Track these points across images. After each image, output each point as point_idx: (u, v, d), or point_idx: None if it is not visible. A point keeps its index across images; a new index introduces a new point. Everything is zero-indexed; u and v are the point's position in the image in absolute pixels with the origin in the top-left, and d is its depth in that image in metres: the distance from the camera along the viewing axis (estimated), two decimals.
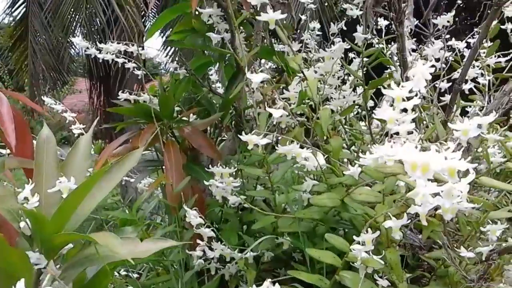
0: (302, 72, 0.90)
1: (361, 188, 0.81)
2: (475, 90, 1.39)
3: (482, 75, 1.35)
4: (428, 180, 0.51)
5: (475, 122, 0.60)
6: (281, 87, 1.05)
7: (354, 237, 0.72)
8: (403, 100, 0.60)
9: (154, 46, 1.53)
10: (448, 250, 0.75)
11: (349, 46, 1.07)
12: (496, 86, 1.41)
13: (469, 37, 1.44)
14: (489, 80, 1.35)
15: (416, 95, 0.60)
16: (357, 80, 1.31)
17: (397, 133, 0.70)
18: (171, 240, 0.73)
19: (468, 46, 1.40)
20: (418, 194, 0.51)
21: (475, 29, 1.46)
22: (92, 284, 0.82)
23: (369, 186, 0.85)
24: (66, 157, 0.81)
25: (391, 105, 0.69)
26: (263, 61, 1.58)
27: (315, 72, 0.99)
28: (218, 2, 1.11)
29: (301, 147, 0.85)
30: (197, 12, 1.21)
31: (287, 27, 1.34)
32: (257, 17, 0.88)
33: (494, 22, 1.44)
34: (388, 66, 1.30)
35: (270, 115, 0.90)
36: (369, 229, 0.70)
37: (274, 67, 1.74)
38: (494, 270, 0.89)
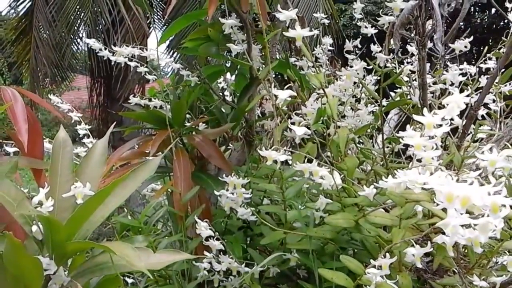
0: (323, 90, 0.90)
1: (377, 210, 0.80)
2: (485, 116, 1.39)
3: (493, 101, 1.35)
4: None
5: (505, 153, 0.60)
6: (297, 103, 1.05)
7: (371, 261, 0.71)
8: (434, 127, 0.59)
9: (157, 50, 1.53)
10: (463, 278, 0.74)
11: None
12: (507, 113, 1.41)
13: (481, 62, 1.44)
14: (500, 107, 1.35)
15: (447, 123, 0.59)
16: (370, 98, 1.32)
17: (419, 159, 0.70)
18: (185, 252, 0.72)
19: (479, 71, 1.41)
20: (449, 224, 0.50)
21: (488, 55, 1.47)
22: None
23: (384, 209, 0.84)
24: (80, 162, 0.80)
25: (415, 129, 0.68)
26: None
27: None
28: (237, 13, 1.10)
29: (310, 161, 0.84)
30: (212, 21, 1.21)
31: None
32: (284, 33, 0.87)
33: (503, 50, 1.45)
34: (399, 86, 1.30)
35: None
36: (387, 254, 0.69)
37: (273, 75, 1.74)
38: None
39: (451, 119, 0.59)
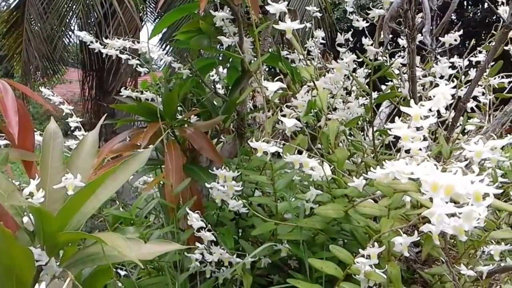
0: (313, 82, 0.90)
1: (366, 201, 0.81)
2: (475, 108, 1.40)
3: (483, 94, 1.37)
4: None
5: (490, 144, 0.61)
6: (288, 95, 1.05)
7: (360, 250, 0.72)
8: (421, 118, 0.60)
9: (149, 43, 1.53)
10: (451, 268, 0.76)
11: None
12: (496, 106, 1.43)
13: (472, 56, 1.46)
14: (489, 100, 1.36)
15: (433, 114, 0.60)
16: (361, 91, 1.33)
17: (407, 150, 0.71)
18: (175, 243, 0.72)
19: (470, 64, 1.42)
20: (434, 213, 0.51)
21: (478, 48, 1.48)
22: (90, 282, 0.81)
23: (373, 200, 0.85)
24: (71, 153, 0.80)
25: (404, 121, 0.69)
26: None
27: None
28: (229, 6, 1.10)
29: (300, 153, 0.85)
30: (203, 14, 1.21)
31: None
32: (274, 26, 0.88)
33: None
34: (390, 79, 1.31)
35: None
36: (375, 243, 0.70)
37: (266, 69, 1.74)
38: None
39: (438, 111, 0.59)
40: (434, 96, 0.58)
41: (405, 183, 0.59)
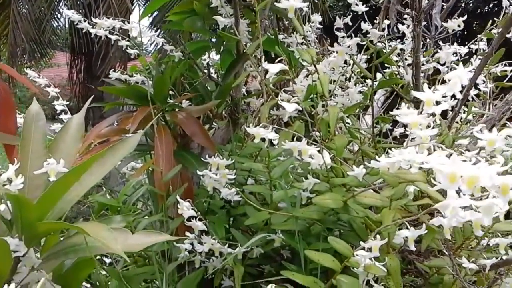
0: (315, 66, 0.86)
1: (366, 191, 0.77)
2: (474, 97, 1.37)
3: (483, 82, 1.33)
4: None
5: (504, 132, 0.57)
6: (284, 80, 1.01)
7: (361, 242, 0.68)
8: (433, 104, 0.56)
9: (139, 24, 1.46)
10: (453, 260, 0.72)
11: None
12: (496, 94, 1.40)
13: (472, 43, 1.42)
14: (490, 88, 1.33)
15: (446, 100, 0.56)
16: (360, 77, 1.28)
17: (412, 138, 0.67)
18: (164, 233, 0.68)
19: (470, 51, 1.39)
20: (449, 206, 0.47)
21: (479, 36, 1.45)
22: (72, 273, 0.77)
23: (373, 190, 0.82)
24: (55, 137, 0.75)
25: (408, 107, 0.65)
26: None
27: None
28: None
29: (299, 140, 0.80)
30: None
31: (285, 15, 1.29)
32: (276, 4, 0.82)
33: (495, 31, 1.43)
34: (388, 66, 1.27)
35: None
36: (377, 236, 0.66)
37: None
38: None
39: (453, 96, 0.55)
40: (449, 80, 0.54)
41: (414, 172, 0.55)
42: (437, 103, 0.56)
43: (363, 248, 0.69)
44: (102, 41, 4.18)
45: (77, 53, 4.85)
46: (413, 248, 0.66)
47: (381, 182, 0.95)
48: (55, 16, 4.78)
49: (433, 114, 0.58)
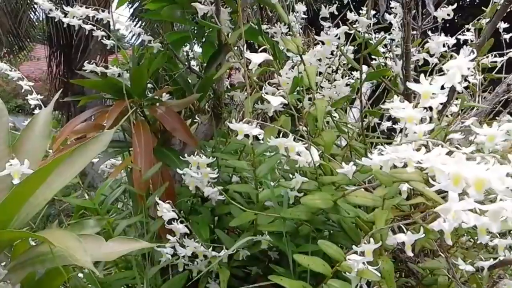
0: (301, 56, 0.80)
1: (358, 190, 0.72)
2: (462, 89, 1.34)
3: (472, 74, 1.30)
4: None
5: (506, 127, 0.53)
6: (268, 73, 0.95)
7: (353, 247, 0.64)
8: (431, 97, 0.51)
9: (120, 19, 1.40)
10: (449, 262, 0.68)
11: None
12: (485, 87, 1.37)
13: (459, 34, 1.39)
14: (479, 80, 1.30)
15: (444, 92, 0.51)
16: (346, 69, 1.24)
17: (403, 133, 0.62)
18: (142, 241, 0.62)
19: (458, 42, 1.35)
20: (450, 210, 0.43)
21: (466, 26, 1.41)
22: (44, 283, 0.71)
23: (365, 188, 0.77)
24: (19, 135, 0.68)
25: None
26: None
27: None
28: None
29: (286, 136, 0.76)
30: None
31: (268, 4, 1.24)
32: None
33: (484, 21, 1.40)
34: (374, 57, 1.22)
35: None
36: (371, 239, 0.62)
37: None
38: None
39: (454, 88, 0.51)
40: (447, 70, 0.49)
41: (410, 172, 0.51)
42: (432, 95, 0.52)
43: (356, 252, 0.64)
44: (82, 33, 4.07)
45: (56, 45, 4.72)
46: (410, 254, 0.61)
47: (371, 179, 0.91)
48: (32, 6, 4.64)
49: (430, 108, 0.54)
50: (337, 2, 1.20)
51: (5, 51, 5.08)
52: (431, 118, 0.67)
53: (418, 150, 0.52)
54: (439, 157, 0.43)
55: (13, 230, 0.56)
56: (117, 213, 1.28)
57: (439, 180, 0.43)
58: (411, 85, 0.52)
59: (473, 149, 0.59)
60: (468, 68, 0.48)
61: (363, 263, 0.66)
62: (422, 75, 0.52)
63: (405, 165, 0.58)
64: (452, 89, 1.02)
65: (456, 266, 0.76)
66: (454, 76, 0.48)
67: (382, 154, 0.59)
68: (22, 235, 0.58)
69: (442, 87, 0.50)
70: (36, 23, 5.44)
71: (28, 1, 4.57)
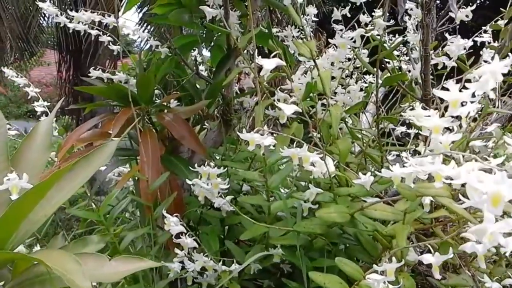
0: (314, 61, 0.76)
1: (377, 204, 0.68)
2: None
3: None
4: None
5: None
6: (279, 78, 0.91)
7: (374, 266, 0.59)
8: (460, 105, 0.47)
9: (128, 23, 1.37)
10: (475, 279, 0.64)
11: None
12: (504, 90, 1.31)
13: (476, 36, 1.34)
14: (498, 83, 1.24)
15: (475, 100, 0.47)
16: (360, 74, 1.19)
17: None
18: (148, 260, 0.58)
19: (475, 45, 1.30)
20: (486, 231, 0.38)
21: (483, 28, 1.36)
22: None
23: (379, 198, 0.73)
24: (19, 146, 0.65)
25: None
26: None
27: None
28: None
29: (299, 146, 0.72)
30: None
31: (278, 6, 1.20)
32: None
33: (502, 22, 1.34)
34: (387, 61, 1.18)
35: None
36: (393, 259, 0.57)
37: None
38: None
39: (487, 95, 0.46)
40: (479, 77, 0.45)
41: (438, 187, 0.46)
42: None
43: (376, 271, 0.60)
44: (91, 39, 4.07)
45: (65, 51, 4.72)
46: (438, 277, 0.57)
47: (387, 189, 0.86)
48: (41, 12, 4.65)
49: (459, 117, 0.50)
50: (349, 3, 1.17)
51: (16, 56, 5.10)
52: (460, 126, 0.63)
53: (444, 161, 0.48)
54: (473, 173, 0.39)
55: (9, 252, 0.53)
56: (125, 222, 1.24)
57: (471, 197, 0.39)
58: (439, 93, 0.47)
59: (502, 160, 0.55)
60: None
61: (384, 282, 0.61)
62: (450, 82, 0.47)
63: (429, 177, 0.54)
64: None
65: (481, 283, 0.71)
66: (487, 83, 0.44)
67: (404, 166, 0.55)
68: (17, 256, 0.54)
69: (473, 95, 0.46)
70: (46, 29, 5.47)
71: (37, 7, 4.59)
